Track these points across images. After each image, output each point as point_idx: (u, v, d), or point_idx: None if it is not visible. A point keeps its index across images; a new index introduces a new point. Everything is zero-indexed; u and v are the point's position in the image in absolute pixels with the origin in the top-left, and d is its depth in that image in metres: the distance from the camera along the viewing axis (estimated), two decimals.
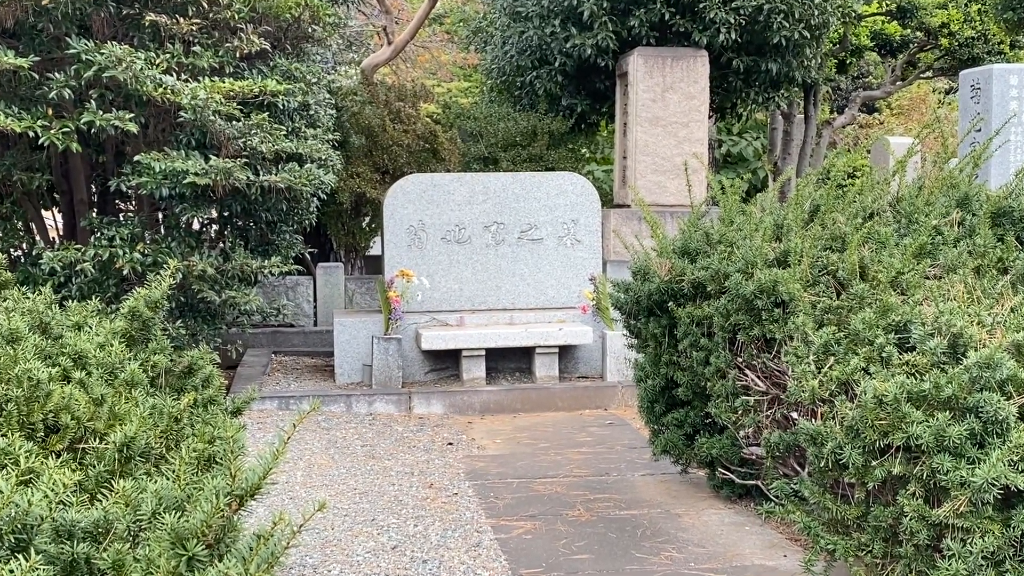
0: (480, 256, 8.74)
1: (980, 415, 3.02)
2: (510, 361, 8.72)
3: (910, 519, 3.15)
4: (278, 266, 7.88)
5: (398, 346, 8.23)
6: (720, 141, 17.06)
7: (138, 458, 2.27)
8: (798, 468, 4.44)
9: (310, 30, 8.36)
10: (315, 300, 11.15)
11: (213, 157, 7.16)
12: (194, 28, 7.26)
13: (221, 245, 8.17)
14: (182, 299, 7.73)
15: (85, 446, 2.44)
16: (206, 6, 7.33)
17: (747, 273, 4.50)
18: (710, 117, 12.73)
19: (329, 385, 8.54)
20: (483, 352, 8.33)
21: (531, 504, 5.32)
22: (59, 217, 8.78)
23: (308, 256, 11.60)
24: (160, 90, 6.88)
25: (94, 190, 8.59)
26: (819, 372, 3.66)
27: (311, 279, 11.23)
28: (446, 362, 8.63)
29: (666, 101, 10.75)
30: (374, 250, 13.36)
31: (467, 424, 7.53)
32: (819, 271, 4.29)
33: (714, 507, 5.22)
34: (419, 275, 8.51)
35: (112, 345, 2.98)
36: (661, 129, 10.76)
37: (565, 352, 8.65)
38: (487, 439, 7.01)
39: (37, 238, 8.22)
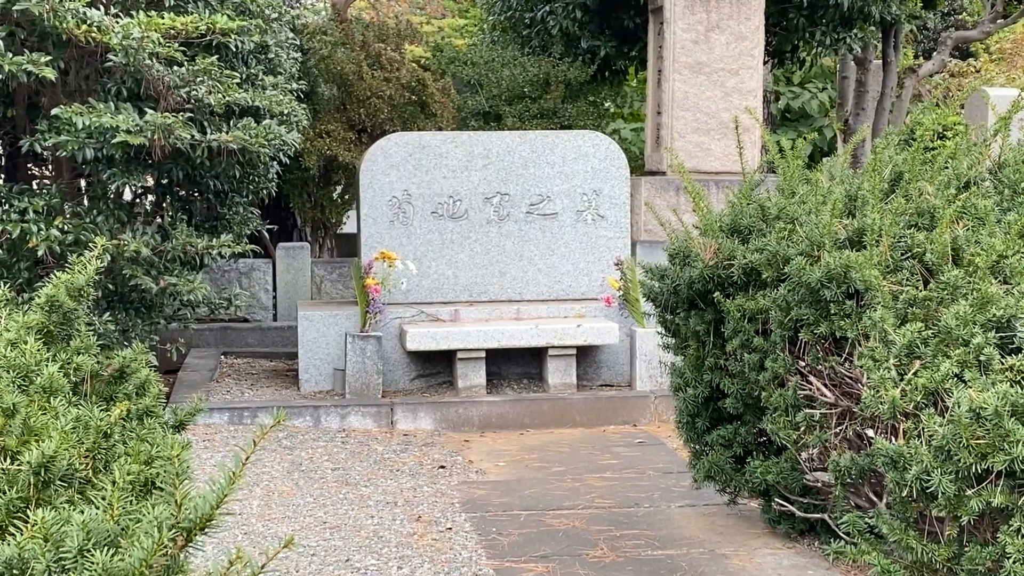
0: (479, 235, 8.75)
1: None
2: (516, 365, 8.73)
3: (1014, 562, 3.15)
4: (229, 246, 7.88)
5: (377, 346, 8.24)
6: (777, 93, 17.03)
7: (59, 482, 2.27)
8: (874, 498, 4.45)
9: None
10: (275, 289, 11.16)
11: (149, 111, 7.15)
12: None
13: (159, 220, 8.17)
14: (110, 287, 7.74)
15: None
16: None
17: (812, 256, 4.49)
18: (765, 63, 12.71)
19: (292, 394, 8.56)
20: (483, 354, 8.34)
21: (543, 542, 5.33)
22: None
23: (266, 234, 11.61)
24: (84, 27, 6.87)
25: (1, 152, 8.58)
26: (901, 379, 3.66)
27: (270, 263, 11.24)
28: (437, 366, 8.64)
29: (711, 43, 10.73)
30: (348, 227, 13.37)
31: (463, 443, 7.54)
32: (902, 254, 4.28)
33: (770, 546, 5.23)
34: (404, 258, 8.52)
35: (26, 343, 2.98)
36: (704, 78, 10.75)
37: (584, 354, 8.66)
38: (488, 461, 7.03)
39: None
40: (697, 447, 5.65)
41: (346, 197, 12.44)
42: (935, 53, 17.81)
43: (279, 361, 9.90)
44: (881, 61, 15.45)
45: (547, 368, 8.47)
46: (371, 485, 6.41)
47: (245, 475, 1.97)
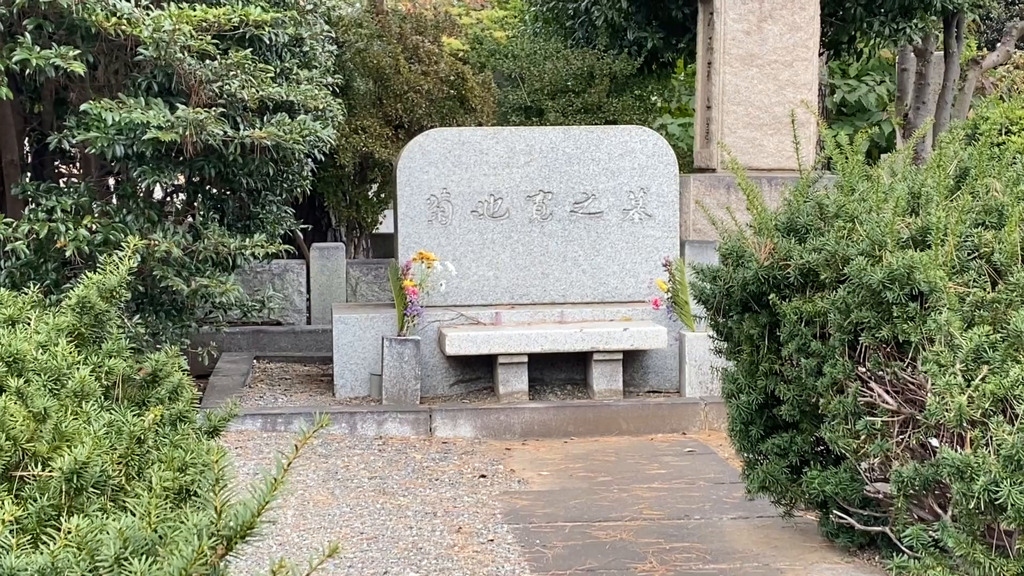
0: (521, 235, 8.74)
1: None
2: (560, 370, 8.72)
3: None
4: (262, 246, 7.92)
5: (415, 350, 8.25)
6: (833, 86, 16.93)
7: (91, 489, 2.28)
8: (939, 511, 4.41)
9: None
10: (309, 291, 11.21)
11: (181, 106, 7.20)
12: None
13: (190, 219, 8.23)
14: (140, 288, 7.79)
15: (24, 474, 2.46)
16: None
17: (873, 256, 4.47)
18: (821, 55, 12.63)
19: (327, 400, 8.58)
20: (525, 358, 8.33)
21: (589, 555, 5.33)
22: None
23: (300, 234, 11.66)
24: (114, 20, 6.93)
25: (28, 148, 8.67)
26: (968, 385, 3.63)
27: (304, 264, 11.28)
28: (477, 371, 8.64)
29: (763, 34, 10.68)
30: (384, 227, 13.40)
31: (504, 451, 7.54)
32: (968, 254, 4.24)
33: (827, 560, 5.19)
34: (443, 259, 8.53)
35: (57, 346, 3.00)
36: (757, 70, 10.69)
37: (631, 359, 8.64)
38: (531, 471, 7.02)
39: None
40: (751, 456, 5.63)
41: (382, 196, 12.47)
42: (999, 44, 17.63)
43: (313, 366, 9.94)
44: (943, 52, 15.31)
45: (592, 374, 8.45)
46: (409, 495, 6.42)
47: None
